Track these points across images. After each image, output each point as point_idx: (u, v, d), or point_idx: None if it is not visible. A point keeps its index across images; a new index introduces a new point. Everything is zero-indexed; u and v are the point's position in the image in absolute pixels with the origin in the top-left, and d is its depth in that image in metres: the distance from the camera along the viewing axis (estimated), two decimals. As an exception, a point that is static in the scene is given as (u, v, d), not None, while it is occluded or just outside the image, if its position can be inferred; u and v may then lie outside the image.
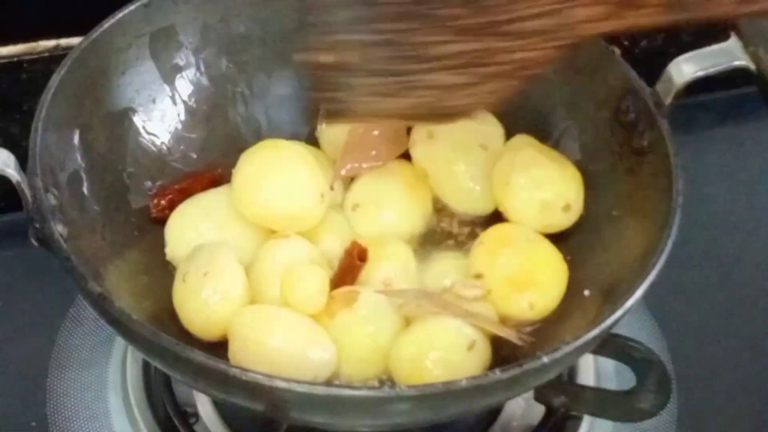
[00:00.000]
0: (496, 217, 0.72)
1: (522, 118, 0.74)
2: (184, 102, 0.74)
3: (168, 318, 0.64)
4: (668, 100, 0.66)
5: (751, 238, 0.91)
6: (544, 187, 0.69)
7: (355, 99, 0.62)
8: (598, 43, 0.70)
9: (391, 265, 0.67)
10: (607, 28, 0.56)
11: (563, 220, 0.69)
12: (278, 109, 0.77)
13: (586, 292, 0.66)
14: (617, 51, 0.70)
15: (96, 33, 0.68)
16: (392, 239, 0.69)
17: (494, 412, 0.73)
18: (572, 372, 0.75)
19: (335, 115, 0.65)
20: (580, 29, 0.56)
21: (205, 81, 0.75)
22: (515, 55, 0.58)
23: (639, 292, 0.57)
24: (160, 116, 0.73)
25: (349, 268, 0.66)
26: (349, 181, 0.72)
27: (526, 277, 0.66)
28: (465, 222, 0.73)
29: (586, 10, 0.55)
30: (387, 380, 0.63)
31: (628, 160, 0.68)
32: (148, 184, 0.71)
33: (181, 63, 0.74)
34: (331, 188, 0.70)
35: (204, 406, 0.72)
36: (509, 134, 0.73)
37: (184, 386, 0.71)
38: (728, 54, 0.65)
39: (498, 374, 0.52)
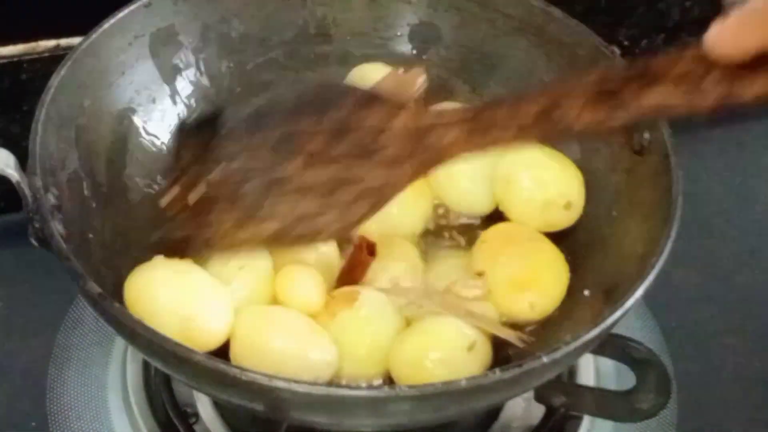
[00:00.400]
0: (496, 217, 0.72)
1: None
2: (184, 102, 0.74)
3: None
4: (668, 100, 0.66)
5: (751, 238, 0.91)
6: (546, 185, 0.69)
7: (218, 232, 0.61)
8: (598, 44, 0.70)
9: (399, 264, 0.67)
10: (469, 148, 0.57)
11: (565, 219, 0.69)
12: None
13: (586, 292, 0.66)
14: (617, 51, 0.70)
15: (96, 33, 0.68)
16: (399, 239, 0.69)
17: (494, 412, 0.72)
18: (572, 372, 0.75)
19: (196, 251, 0.63)
20: (444, 152, 0.57)
21: (205, 81, 0.75)
22: (380, 179, 0.58)
23: (639, 292, 0.57)
24: (160, 116, 0.73)
25: (359, 264, 0.66)
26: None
27: (527, 277, 0.66)
28: (465, 221, 0.73)
29: (450, 134, 0.56)
30: (388, 380, 0.63)
31: (628, 160, 0.68)
32: (149, 183, 0.71)
33: (181, 63, 0.74)
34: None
35: (204, 406, 0.72)
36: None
37: (184, 386, 0.71)
38: (728, 54, 0.65)
39: (498, 374, 0.52)
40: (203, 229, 0.61)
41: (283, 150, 0.59)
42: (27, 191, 0.58)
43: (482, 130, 0.56)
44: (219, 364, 0.51)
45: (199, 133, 0.62)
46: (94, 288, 0.55)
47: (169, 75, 0.73)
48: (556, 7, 0.73)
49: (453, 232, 0.73)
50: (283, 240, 0.60)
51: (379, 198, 0.59)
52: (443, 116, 0.58)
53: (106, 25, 0.68)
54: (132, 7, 0.70)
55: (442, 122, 0.57)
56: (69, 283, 0.56)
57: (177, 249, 0.62)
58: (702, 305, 0.84)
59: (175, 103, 0.74)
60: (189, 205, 0.61)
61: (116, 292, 0.61)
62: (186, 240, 0.62)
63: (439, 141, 0.57)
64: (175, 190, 0.62)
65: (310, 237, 0.61)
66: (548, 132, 0.55)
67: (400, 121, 0.58)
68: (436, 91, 0.77)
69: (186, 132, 0.62)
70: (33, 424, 0.73)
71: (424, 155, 0.57)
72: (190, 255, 0.62)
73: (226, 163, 0.60)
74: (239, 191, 0.60)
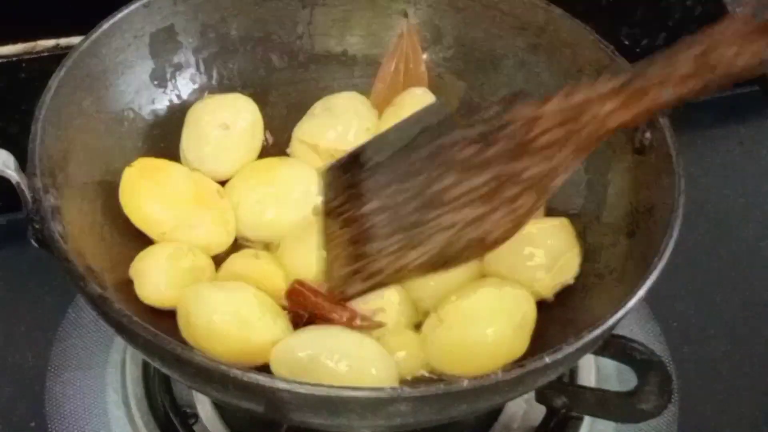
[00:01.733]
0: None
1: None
2: (184, 102, 0.74)
3: (168, 317, 0.64)
4: (669, 100, 0.66)
5: (751, 238, 0.91)
6: None
7: (381, 263, 0.61)
8: (599, 43, 0.70)
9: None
10: (628, 116, 0.55)
11: None
12: (277, 110, 0.77)
13: (588, 293, 0.66)
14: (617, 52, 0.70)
15: (95, 33, 0.68)
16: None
17: (495, 413, 0.72)
18: (573, 373, 0.75)
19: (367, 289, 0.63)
20: (601, 126, 0.56)
21: (205, 81, 0.75)
22: (540, 167, 0.57)
23: (640, 293, 0.57)
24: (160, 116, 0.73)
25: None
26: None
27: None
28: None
29: (606, 105, 0.55)
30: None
31: (629, 159, 0.68)
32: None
33: (181, 63, 0.74)
34: None
35: (204, 406, 0.71)
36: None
37: (184, 387, 0.71)
38: (729, 53, 0.65)
39: (500, 375, 0.51)
40: (365, 263, 0.61)
41: (434, 168, 0.59)
42: (27, 192, 0.58)
43: (640, 94, 0.54)
44: (219, 365, 0.51)
45: (345, 171, 0.62)
46: (95, 289, 0.54)
47: (169, 75, 0.73)
48: (556, 6, 0.73)
49: None
50: (452, 255, 0.59)
51: (544, 186, 0.58)
52: (595, 88, 0.56)
53: (106, 25, 0.68)
54: (131, 7, 0.70)
55: (596, 95, 0.56)
56: (68, 283, 0.56)
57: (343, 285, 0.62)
58: (703, 306, 0.84)
59: (174, 103, 0.73)
60: (348, 241, 0.61)
61: (116, 293, 0.61)
62: (352, 274, 0.61)
63: (595, 115, 0.55)
64: (330, 229, 0.62)
65: (480, 244, 0.59)
66: (708, 80, 0.53)
67: (552, 105, 0.56)
68: (435, 90, 0.77)
69: (332, 171, 0.62)
70: (32, 424, 0.72)
71: (582, 132, 0.56)
72: (358, 292, 0.62)
73: (377, 194, 0.60)
74: (396, 219, 0.59)
